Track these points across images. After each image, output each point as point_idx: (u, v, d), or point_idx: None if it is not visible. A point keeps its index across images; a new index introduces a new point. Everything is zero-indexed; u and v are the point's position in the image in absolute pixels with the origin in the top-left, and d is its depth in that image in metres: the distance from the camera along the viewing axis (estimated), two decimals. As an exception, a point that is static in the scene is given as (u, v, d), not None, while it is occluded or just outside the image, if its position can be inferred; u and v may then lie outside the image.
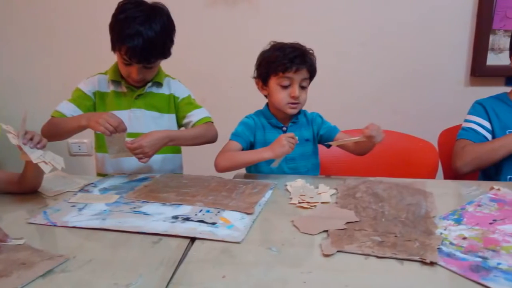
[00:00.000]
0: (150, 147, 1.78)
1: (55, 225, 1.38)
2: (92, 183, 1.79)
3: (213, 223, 1.35)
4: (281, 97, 1.86)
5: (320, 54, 1.93)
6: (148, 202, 1.55)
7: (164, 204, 1.52)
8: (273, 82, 1.87)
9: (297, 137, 1.74)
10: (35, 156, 1.49)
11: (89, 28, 3.01)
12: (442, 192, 1.62)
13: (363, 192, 1.60)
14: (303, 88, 1.87)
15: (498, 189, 1.59)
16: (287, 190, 1.68)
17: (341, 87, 3.01)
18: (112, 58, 1.97)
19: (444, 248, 1.17)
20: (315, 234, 1.27)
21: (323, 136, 1.98)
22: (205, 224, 1.35)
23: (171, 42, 1.92)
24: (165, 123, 2.05)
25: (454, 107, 2.42)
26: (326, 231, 1.28)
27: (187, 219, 1.39)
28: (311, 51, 1.89)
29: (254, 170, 1.97)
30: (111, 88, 2.02)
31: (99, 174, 2.12)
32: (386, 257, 1.13)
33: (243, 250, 1.21)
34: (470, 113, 2.07)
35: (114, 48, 1.86)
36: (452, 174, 2.06)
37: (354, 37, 2.94)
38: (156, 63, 1.95)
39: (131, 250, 1.23)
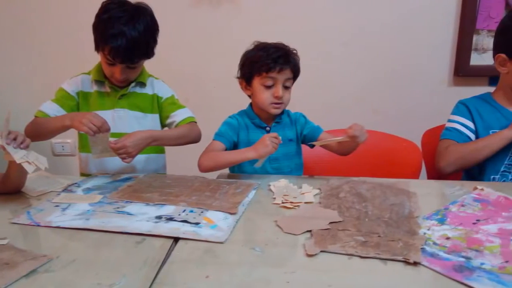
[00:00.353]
0: (133, 147, 1.77)
1: (38, 225, 1.38)
2: (75, 183, 1.79)
3: (197, 223, 1.35)
4: (265, 97, 1.86)
5: (303, 54, 1.93)
6: (131, 202, 1.55)
7: (147, 204, 1.52)
8: (256, 82, 1.87)
9: (280, 137, 1.74)
10: (19, 156, 1.48)
11: (72, 28, 2.99)
12: (425, 192, 1.63)
13: (347, 192, 1.60)
14: (286, 88, 1.88)
15: (482, 189, 1.60)
16: (270, 190, 1.68)
17: (324, 87, 3.01)
18: (95, 58, 1.96)
19: (427, 248, 1.18)
20: (299, 234, 1.28)
21: (306, 136, 1.99)
22: (189, 224, 1.34)
23: (154, 42, 1.92)
24: (149, 123, 2.05)
25: (437, 107, 2.42)
26: (310, 231, 1.28)
27: (170, 219, 1.39)
28: (294, 51, 1.90)
29: (238, 170, 1.97)
30: (94, 88, 2.01)
31: (82, 174, 2.11)
32: (370, 257, 1.13)
33: (227, 250, 1.21)
34: (453, 113, 2.08)
35: (98, 48, 1.86)
36: (436, 174, 2.07)
37: (337, 37, 2.94)
38: (140, 63, 1.94)
39: (115, 250, 1.22)
